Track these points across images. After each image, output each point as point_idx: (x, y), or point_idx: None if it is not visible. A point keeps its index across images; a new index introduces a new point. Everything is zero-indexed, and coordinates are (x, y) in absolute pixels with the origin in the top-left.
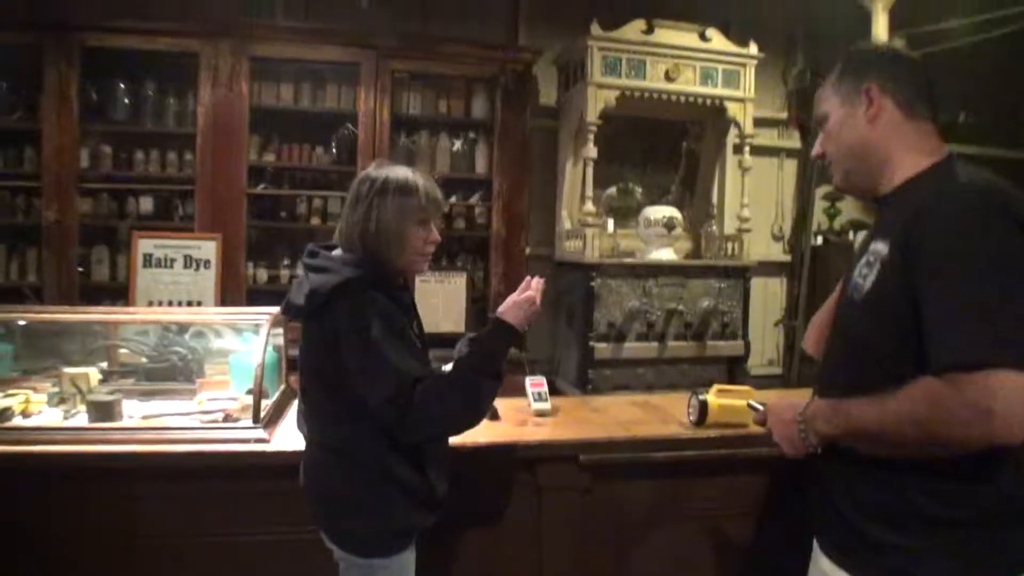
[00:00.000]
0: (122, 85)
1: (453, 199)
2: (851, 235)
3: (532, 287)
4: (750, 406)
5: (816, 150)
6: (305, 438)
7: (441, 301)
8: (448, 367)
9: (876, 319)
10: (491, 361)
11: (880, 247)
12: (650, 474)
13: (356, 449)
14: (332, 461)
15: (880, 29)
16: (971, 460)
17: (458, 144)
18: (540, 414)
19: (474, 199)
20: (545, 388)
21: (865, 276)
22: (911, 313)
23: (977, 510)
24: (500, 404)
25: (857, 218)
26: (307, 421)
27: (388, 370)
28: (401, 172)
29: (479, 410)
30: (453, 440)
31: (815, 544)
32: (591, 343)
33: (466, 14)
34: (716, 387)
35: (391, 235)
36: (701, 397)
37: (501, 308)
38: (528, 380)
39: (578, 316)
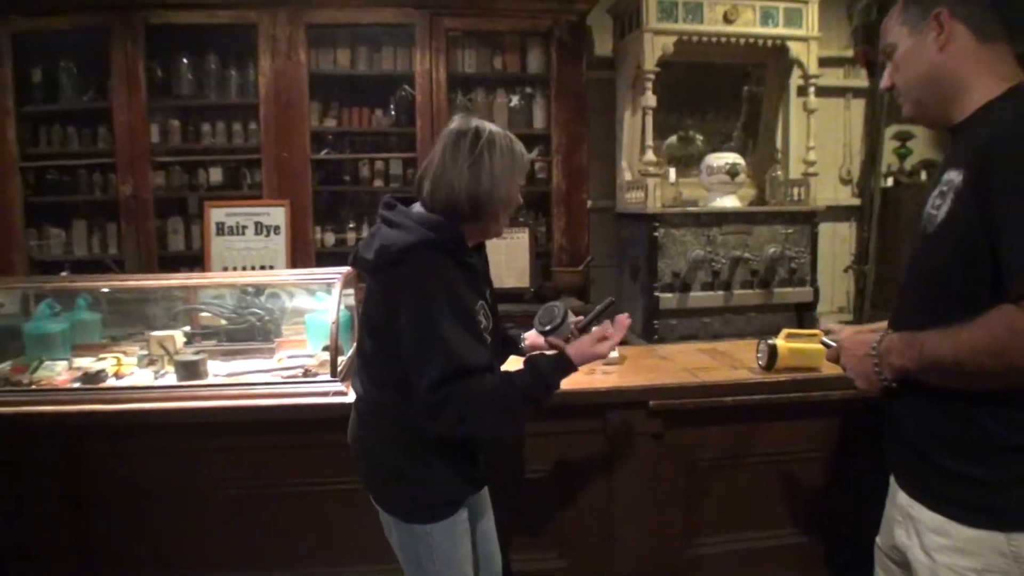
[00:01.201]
0: (185, 60)
1: None
2: (923, 175)
3: (616, 328)
4: (823, 343)
5: (885, 82)
6: (357, 395)
7: (504, 257)
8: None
9: (951, 249)
10: (543, 391)
11: (953, 176)
12: (720, 419)
13: (400, 415)
14: (377, 423)
15: None
16: None
17: (515, 100)
18: (609, 363)
19: (534, 154)
20: None
21: (939, 207)
22: (987, 243)
23: None
24: None
25: (929, 157)
26: (359, 378)
27: (442, 352)
28: (498, 128)
29: (515, 428)
30: None
31: (891, 481)
32: (656, 293)
33: None
34: (785, 331)
35: (498, 191)
36: (770, 341)
37: (575, 346)
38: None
39: (642, 267)
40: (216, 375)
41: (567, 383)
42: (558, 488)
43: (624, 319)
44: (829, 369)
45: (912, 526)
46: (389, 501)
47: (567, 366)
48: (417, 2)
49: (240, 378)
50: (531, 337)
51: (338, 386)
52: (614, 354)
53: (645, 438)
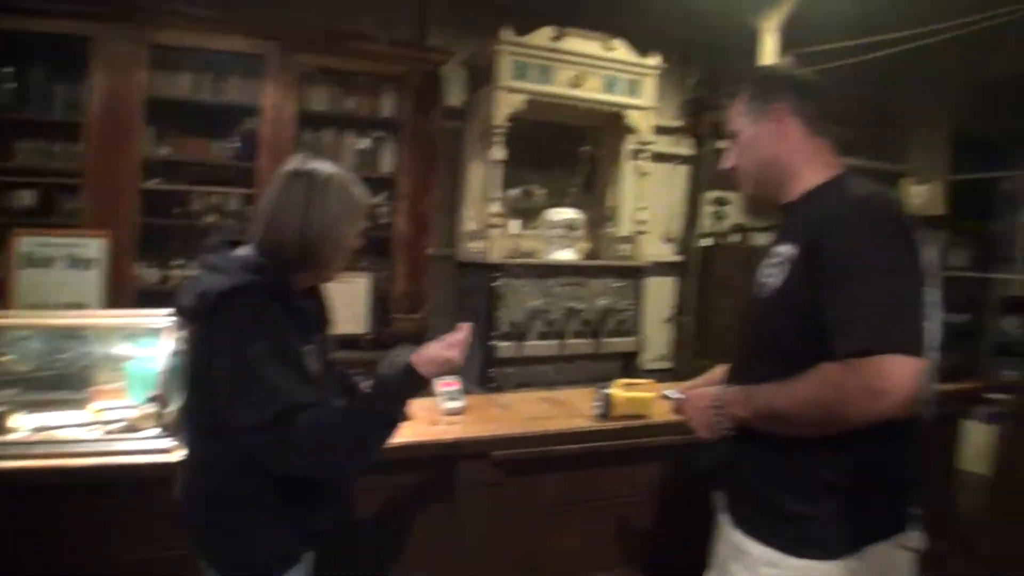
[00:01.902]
0: (6, 69)
1: None
2: (735, 237)
3: (459, 336)
4: (666, 396)
5: (728, 162)
6: (185, 450)
7: (343, 302)
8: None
9: (784, 313)
10: (393, 406)
11: (787, 249)
12: (560, 466)
13: (220, 466)
14: (203, 478)
15: (768, 49)
16: (862, 434)
17: (365, 142)
18: (452, 413)
19: (379, 198)
20: (457, 387)
21: (773, 276)
22: (815, 308)
23: (865, 478)
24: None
25: (741, 222)
26: (185, 432)
27: (264, 392)
28: (336, 168)
29: (365, 455)
30: None
31: (724, 520)
32: (494, 342)
33: (376, 10)
34: (620, 382)
35: (331, 236)
36: (607, 391)
37: (420, 355)
38: (438, 381)
39: (480, 316)
40: (20, 429)
41: (409, 436)
42: (397, 542)
43: (465, 327)
44: (659, 416)
45: (744, 560)
46: (217, 561)
47: (410, 373)
48: (271, 33)
49: (51, 434)
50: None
51: (168, 442)
52: (460, 403)
53: (487, 488)
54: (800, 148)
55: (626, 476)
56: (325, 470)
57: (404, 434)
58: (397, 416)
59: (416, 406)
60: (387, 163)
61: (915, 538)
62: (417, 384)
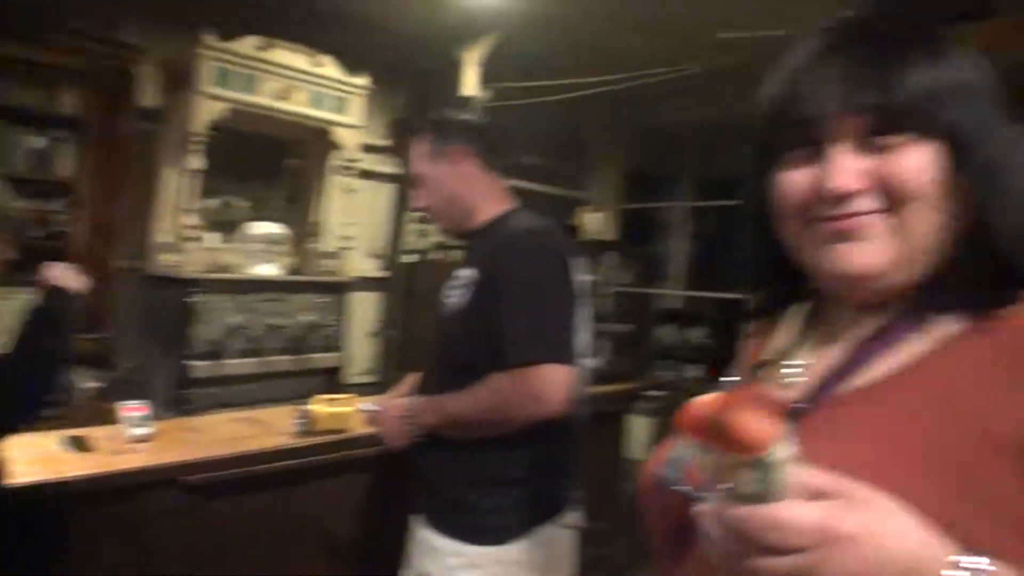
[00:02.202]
0: None
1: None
2: (437, 254)
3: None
4: (362, 409)
5: (417, 203)
6: None
7: (5, 321)
8: None
9: (466, 330)
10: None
11: (468, 273)
12: (259, 487)
13: None
14: None
15: (470, 81)
16: (527, 433)
17: (40, 142)
18: (140, 440)
19: (56, 205)
20: (144, 412)
21: (457, 297)
22: (492, 325)
23: (532, 469)
24: (92, 433)
25: (442, 240)
26: None
27: None
28: None
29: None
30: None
31: (415, 520)
32: (189, 362)
33: None
34: (321, 397)
35: None
36: (306, 407)
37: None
38: (121, 406)
39: (174, 334)
40: None
41: (90, 467)
42: None
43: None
44: (360, 429)
45: (434, 554)
46: None
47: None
48: None
49: None
50: None
51: None
52: (147, 429)
53: (180, 517)
54: (478, 184)
55: (330, 491)
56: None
57: (84, 466)
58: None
59: (99, 435)
60: (66, 166)
61: (574, 518)
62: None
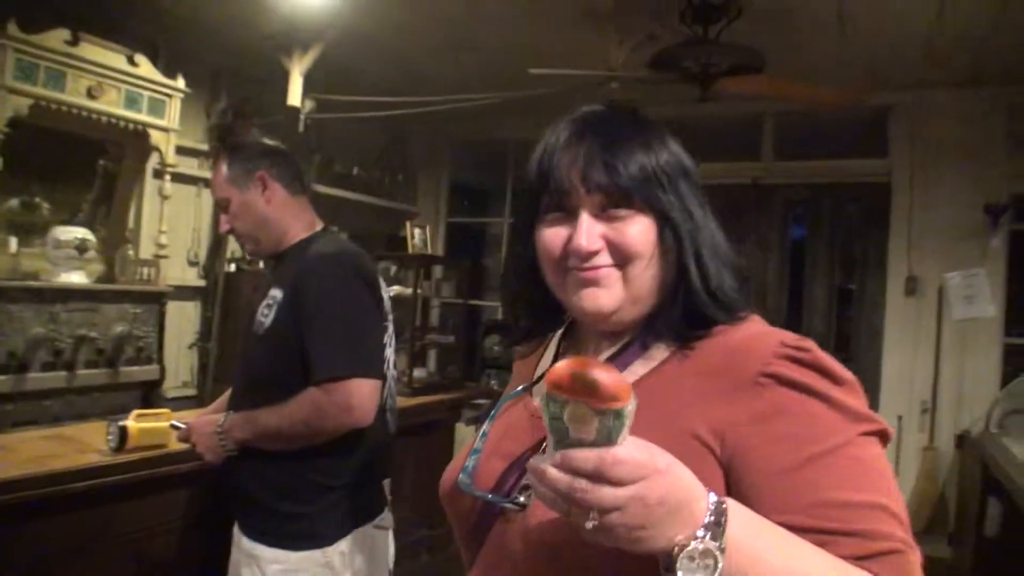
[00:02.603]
0: None
1: None
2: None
3: None
4: (173, 426)
5: (224, 227)
6: None
7: None
8: None
9: (274, 348)
10: None
11: (277, 293)
12: (72, 507)
13: None
14: None
15: (295, 89)
16: (340, 442)
17: None
18: None
19: None
20: None
21: (266, 316)
22: (299, 343)
23: (346, 476)
24: None
25: (247, 250)
26: None
27: None
28: None
29: None
30: None
31: (235, 531)
32: None
33: None
34: (135, 412)
35: None
36: (120, 423)
37: None
38: None
39: None
40: None
41: None
42: None
43: None
44: (176, 445)
45: (256, 564)
46: None
47: None
48: None
49: None
50: None
51: None
52: None
53: None
54: (285, 209)
55: (147, 508)
56: None
57: None
58: None
59: None
60: None
61: (387, 519)
62: None
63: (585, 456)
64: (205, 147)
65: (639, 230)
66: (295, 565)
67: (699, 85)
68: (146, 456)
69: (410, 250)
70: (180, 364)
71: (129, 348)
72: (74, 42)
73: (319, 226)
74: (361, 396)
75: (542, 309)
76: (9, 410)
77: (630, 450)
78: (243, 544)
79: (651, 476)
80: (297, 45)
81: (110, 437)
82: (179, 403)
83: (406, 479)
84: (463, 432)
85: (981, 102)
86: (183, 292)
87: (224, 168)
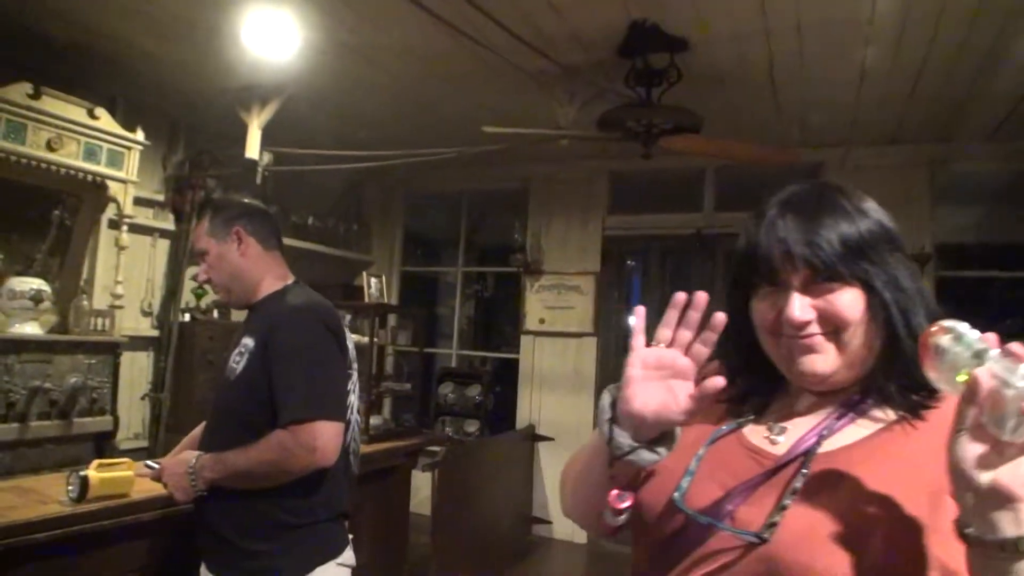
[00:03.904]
0: None
1: None
2: (215, 313)
3: None
4: (147, 465)
5: (201, 277)
6: None
7: None
8: None
9: (245, 392)
10: None
11: (248, 341)
12: (33, 557)
13: None
14: None
15: (253, 142)
16: (305, 482)
17: None
18: None
19: None
20: None
21: (238, 363)
22: (268, 388)
23: (311, 515)
24: None
25: (220, 298)
26: None
27: None
28: None
29: None
30: None
31: (203, 571)
32: None
33: None
34: (96, 462)
35: None
36: (81, 473)
37: None
38: None
39: None
40: None
41: None
42: None
43: None
44: (137, 494)
45: None
46: None
47: None
48: None
49: None
50: None
51: None
52: None
53: None
54: (259, 261)
55: (111, 557)
56: None
57: None
58: None
59: None
60: None
61: (349, 556)
62: None
63: None
64: (161, 198)
65: (848, 300)
66: None
67: (642, 143)
68: (107, 505)
69: (366, 299)
70: (132, 415)
71: (83, 399)
72: (36, 95)
73: (291, 279)
74: (325, 437)
75: (759, 373)
76: None
77: None
78: None
79: None
80: (256, 99)
81: (71, 487)
82: (131, 454)
83: (365, 523)
84: (419, 478)
85: (904, 158)
86: (136, 342)
87: (206, 222)
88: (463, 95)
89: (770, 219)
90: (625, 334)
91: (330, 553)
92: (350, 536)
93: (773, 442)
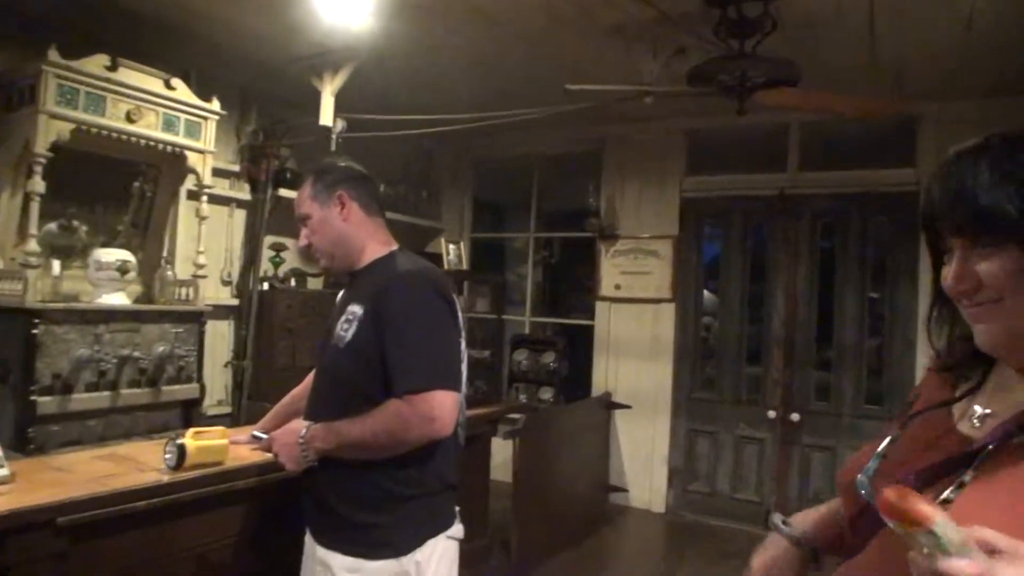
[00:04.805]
0: None
1: None
2: (293, 281)
3: None
4: (255, 436)
5: (303, 241)
6: None
7: None
8: None
9: (356, 360)
10: None
11: (356, 308)
12: (134, 524)
13: None
14: None
15: (326, 109)
16: (417, 453)
17: None
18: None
19: None
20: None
21: (347, 330)
22: (380, 356)
23: (422, 486)
24: None
25: (297, 267)
26: None
27: None
28: None
29: None
30: None
31: (308, 540)
32: (33, 398)
33: None
34: (192, 430)
35: None
36: (179, 442)
37: None
38: None
39: (15, 369)
40: None
41: None
42: None
43: None
44: (233, 462)
45: (330, 572)
46: None
47: None
48: None
49: None
50: None
51: None
52: (3, 471)
53: (47, 562)
54: (361, 227)
55: (207, 524)
56: None
57: None
58: None
59: None
60: None
61: (459, 530)
62: None
63: (923, 567)
64: (236, 168)
65: (1006, 263)
66: (371, 573)
67: (736, 98)
68: (204, 473)
69: (445, 266)
70: (215, 382)
71: (170, 367)
72: (113, 67)
73: (395, 245)
74: (443, 407)
75: (958, 339)
76: (55, 431)
77: (955, 564)
78: (317, 553)
79: None
80: (328, 66)
81: (168, 456)
82: (215, 420)
83: None
84: (498, 446)
85: (1007, 111)
86: (217, 311)
87: (309, 186)
88: (537, 55)
89: (938, 180)
90: (703, 301)
91: (440, 526)
92: (457, 508)
93: (975, 424)
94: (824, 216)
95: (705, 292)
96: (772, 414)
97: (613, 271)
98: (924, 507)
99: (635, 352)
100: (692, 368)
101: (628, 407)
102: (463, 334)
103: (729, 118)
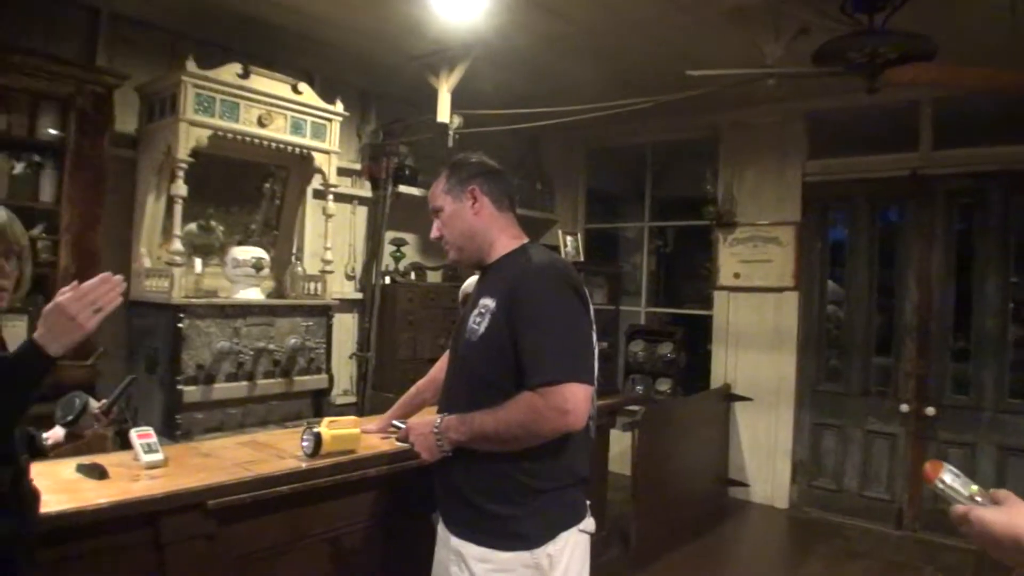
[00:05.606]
0: None
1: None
2: (412, 276)
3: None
4: (393, 425)
5: (435, 233)
6: None
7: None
8: None
9: (490, 353)
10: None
11: (488, 302)
12: (274, 508)
13: None
14: None
15: (443, 106)
16: (551, 446)
17: (19, 167)
18: (153, 466)
19: (37, 230)
20: (155, 439)
21: (479, 323)
22: (513, 348)
23: (555, 479)
24: (103, 460)
25: (418, 261)
26: None
27: None
28: None
29: None
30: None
31: (441, 529)
32: (179, 387)
33: (41, 22)
34: (327, 420)
35: None
36: (315, 431)
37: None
38: (134, 432)
39: (163, 360)
40: None
41: (111, 494)
42: None
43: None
44: (363, 450)
45: (463, 561)
46: None
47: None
48: None
49: None
50: (53, 435)
51: None
52: (159, 455)
53: (198, 541)
54: (492, 222)
55: (340, 509)
56: None
57: (108, 493)
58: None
59: (110, 462)
60: (47, 191)
61: (590, 523)
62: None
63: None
64: (357, 166)
65: None
66: (503, 565)
67: (866, 76)
68: (337, 461)
69: (563, 257)
70: (340, 373)
71: (301, 359)
72: (245, 75)
73: (525, 240)
74: (576, 400)
75: None
76: (199, 418)
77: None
78: (451, 542)
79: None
80: (444, 64)
81: (305, 443)
82: (341, 410)
83: None
84: (615, 437)
85: None
86: (342, 305)
87: (443, 180)
88: (651, 41)
89: None
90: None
91: (572, 519)
92: (587, 502)
93: None
94: (960, 196)
95: (829, 281)
96: (904, 407)
97: (731, 260)
98: (929, 472)
99: (756, 343)
100: (817, 359)
101: (749, 399)
102: (594, 326)
103: (853, 97)
